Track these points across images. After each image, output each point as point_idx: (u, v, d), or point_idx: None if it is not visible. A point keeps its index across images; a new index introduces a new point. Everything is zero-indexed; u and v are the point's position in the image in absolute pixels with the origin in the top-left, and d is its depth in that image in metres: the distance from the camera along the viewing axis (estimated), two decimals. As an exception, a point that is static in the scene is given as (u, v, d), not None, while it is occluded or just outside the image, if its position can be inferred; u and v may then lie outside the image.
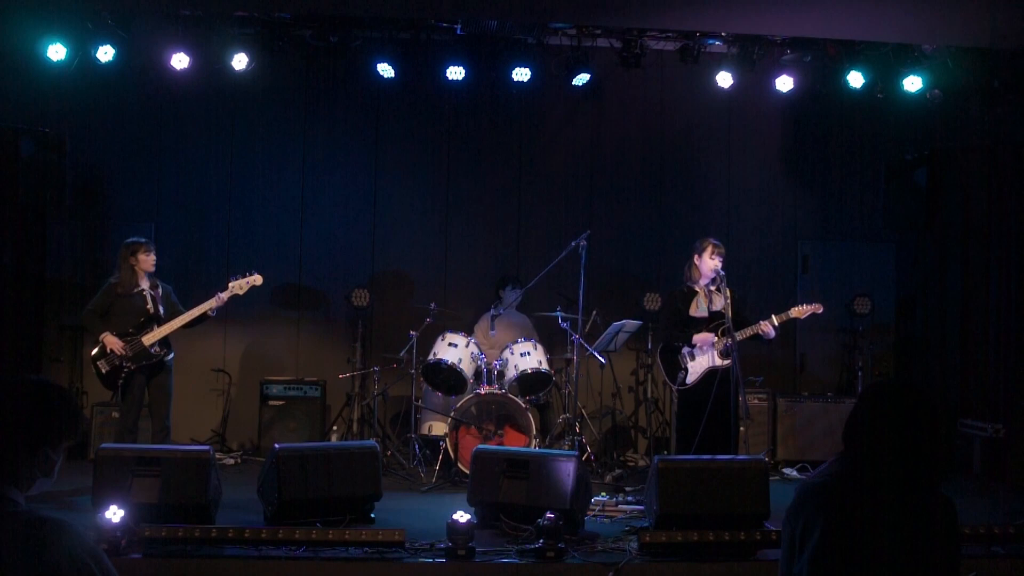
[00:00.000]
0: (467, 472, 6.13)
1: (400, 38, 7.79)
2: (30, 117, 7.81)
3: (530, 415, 7.00)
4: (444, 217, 8.69)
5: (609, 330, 7.35)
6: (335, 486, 5.44)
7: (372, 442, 5.98)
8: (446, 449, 6.93)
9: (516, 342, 7.28)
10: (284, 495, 5.27)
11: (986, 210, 7.97)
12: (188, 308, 6.45)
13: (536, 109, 8.66)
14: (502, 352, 7.31)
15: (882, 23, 6.55)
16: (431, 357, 7.20)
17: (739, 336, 6.13)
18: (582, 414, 7.59)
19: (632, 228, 8.75)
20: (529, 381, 7.18)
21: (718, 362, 6.21)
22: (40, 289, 8.18)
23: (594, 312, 7.57)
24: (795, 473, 7.57)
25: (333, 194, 8.62)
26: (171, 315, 6.43)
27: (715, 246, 6.33)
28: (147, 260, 6.41)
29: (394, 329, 8.09)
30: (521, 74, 7.81)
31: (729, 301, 6.17)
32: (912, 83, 7.65)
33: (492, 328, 7.65)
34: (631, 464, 7.98)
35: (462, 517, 4.69)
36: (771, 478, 5.45)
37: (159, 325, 6.34)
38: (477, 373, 7.28)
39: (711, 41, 7.82)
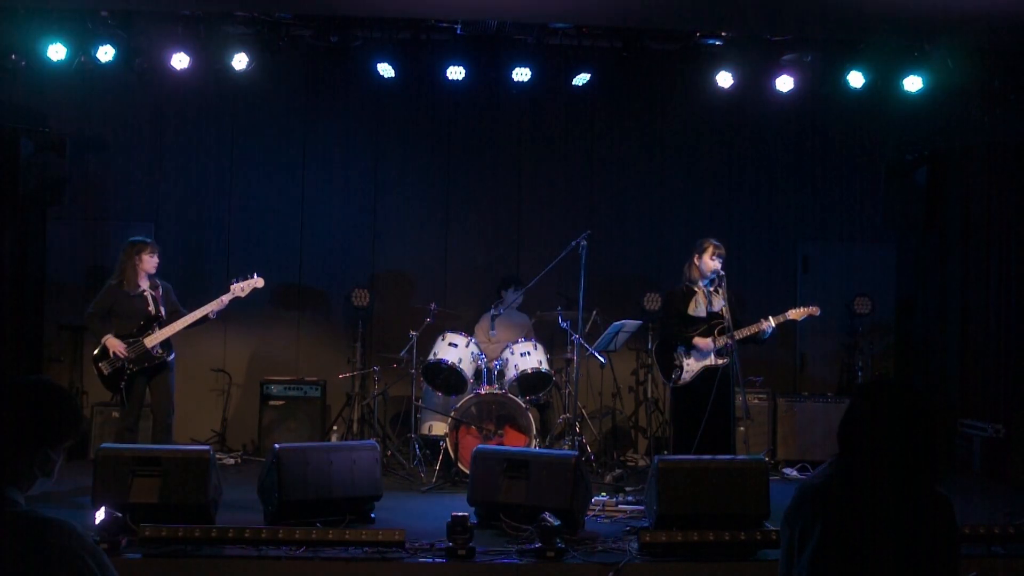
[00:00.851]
0: (467, 472, 6.14)
1: (400, 38, 7.78)
2: (30, 117, 7.82)
3: (530, 415, 7.00)
4: (444, 217, 8.69)
5: (609, 330, 7.35)
6: (335, 486, 5.44)
7: (372, 442, 5.98)
8: (446, 449, 6.93)
9: (516, 342, 7.28)
10: (284, 495, 5.27)
11: (986, 210, 7.96)
12: (188, 309, 6.46)
13: (536, 109, 8.65)
14: (502, 352, 7.31)
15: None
16: (431, 357, 7.20)
17: (737, 335, 6.14)
18: (582, 414, 7.59)
19: (632, 228, 8.75)
20: (529, 381, 7.18)
21: (714, 360, 6.22)
22: (40, 289, 8.18)
23: (594, 312, 7.57)
24: (795, 473, 7.56)
25: (333, 194, 8.61)
26: (171, 314, 6.42)
27: (715, 247, 6.33)
28: (150, 261, 6.39)
29: (394, 329, 8.09)
30: (521, 74, 7.80)
31: (726, 304, 6.18)
32: (912, 83, 7.64)
33: (492, 328, 7.65)
34: (631, 464, 7.98)
35: (462, 517, 4.69)
36: (771, 478, 5.45)
37: (160, 326, 6.34)
38: (477, 373, 7.28)
39: (711, 41, 7.81)
